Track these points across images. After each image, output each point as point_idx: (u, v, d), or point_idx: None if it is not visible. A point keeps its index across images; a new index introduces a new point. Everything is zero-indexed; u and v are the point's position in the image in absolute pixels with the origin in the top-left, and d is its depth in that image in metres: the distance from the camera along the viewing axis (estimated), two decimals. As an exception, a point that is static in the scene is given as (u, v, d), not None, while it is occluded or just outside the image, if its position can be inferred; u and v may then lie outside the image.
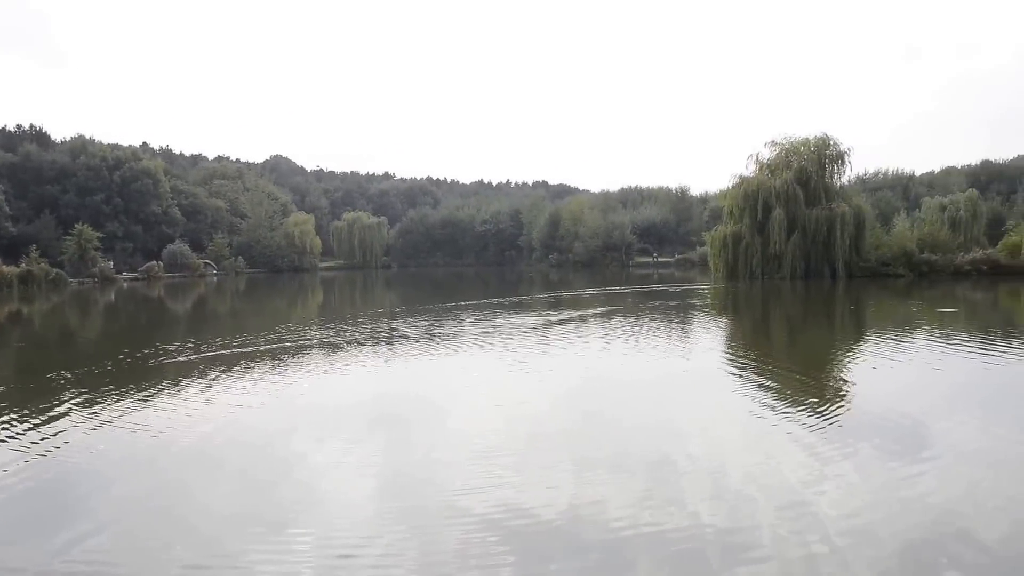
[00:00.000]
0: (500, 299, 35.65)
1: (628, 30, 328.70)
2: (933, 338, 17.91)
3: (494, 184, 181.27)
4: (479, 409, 10.77)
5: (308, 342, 18.84)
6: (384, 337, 19.79)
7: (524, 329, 20.47)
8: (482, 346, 17.14)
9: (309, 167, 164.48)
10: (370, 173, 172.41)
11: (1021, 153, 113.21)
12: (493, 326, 21.59)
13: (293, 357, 16.12)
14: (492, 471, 7.42)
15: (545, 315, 25.45)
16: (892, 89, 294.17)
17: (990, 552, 5.33)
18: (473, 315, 25.78)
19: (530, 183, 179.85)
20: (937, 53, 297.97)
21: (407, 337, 19.44)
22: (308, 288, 58.05)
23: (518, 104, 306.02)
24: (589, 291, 41.16)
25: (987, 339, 17.45)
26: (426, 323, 22.99)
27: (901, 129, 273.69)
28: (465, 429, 9.45)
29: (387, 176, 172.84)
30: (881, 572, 5.04)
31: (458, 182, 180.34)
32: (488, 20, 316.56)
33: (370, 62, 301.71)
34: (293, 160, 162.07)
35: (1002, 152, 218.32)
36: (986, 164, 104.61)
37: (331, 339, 19.50)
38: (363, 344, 18.24)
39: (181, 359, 16.01)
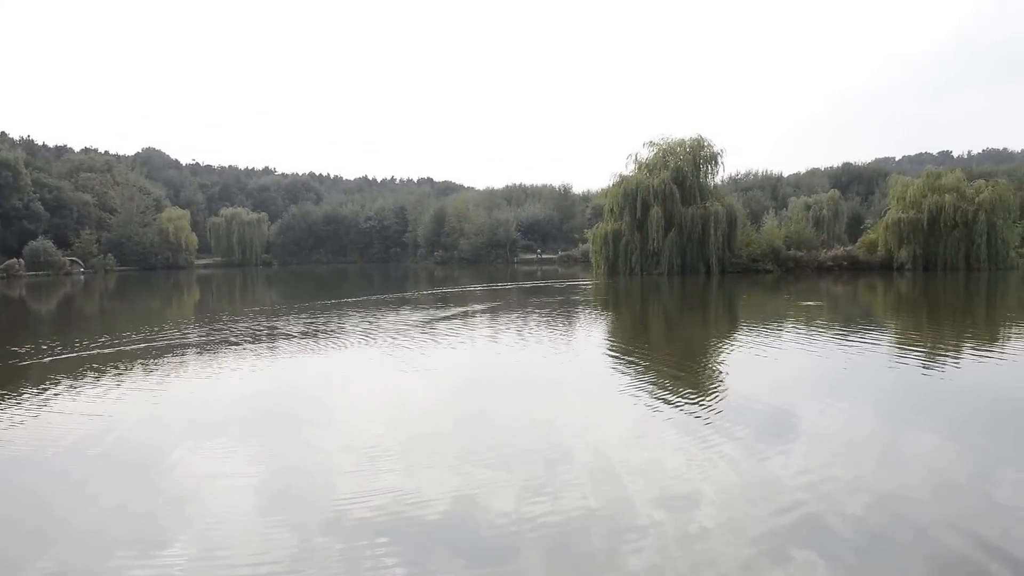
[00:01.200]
0: (385, 296, 35.31)
1: (510, 29, 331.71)
2: (800, 330, 18.88)
3: (379, 180, 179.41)
4: (363, 409, 10.62)
5: (182, 342, 18.06)
6: (264, 336, 19.23)
7: (410, 326, 20.34)
8: (367, 344, 16.93)
9: (184, 160, 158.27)
10: (249, 167, 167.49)
11: (878, 156, 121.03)
12: (378, 323, 21.35)
13: (165, 358, 15.41)
14: (376, 473, 7.29)
15: (431, 312, 25.35)
16: (766, 97, 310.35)
17: (848, 530, 5.65)
18: (357, 312, 25.42)
19: (415, 180, 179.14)
20: (811, 67, 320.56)
21: (288, 336, 18.95)
22: (183, 286, 55.78)
23: (403, 100, 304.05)
24: (475, 288, 41.29)
25: (848, 330, 18.52)
26: (308, 321, 22.52)
27: (772, 132, 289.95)
28: (348, 430, 9.28)
29: (267, 171, 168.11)
30: (749, 553, 5.28)
31: (342, 178, 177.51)
32: (370, 13, 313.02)
33: (248, 51, 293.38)
34: (167, 153, 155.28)
35: (861, 155, 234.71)
36: (847, 166, 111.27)
37: (207, 339, 18.78)
38: (241, 344, 17.66)
39: (39, 361, 15.09)
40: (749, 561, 5.17)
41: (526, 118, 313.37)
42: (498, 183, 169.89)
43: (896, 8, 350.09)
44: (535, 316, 23.64)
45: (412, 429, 9.20)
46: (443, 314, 24.46)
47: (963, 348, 15.32)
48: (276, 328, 20.95)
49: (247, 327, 21.44)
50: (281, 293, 44.40)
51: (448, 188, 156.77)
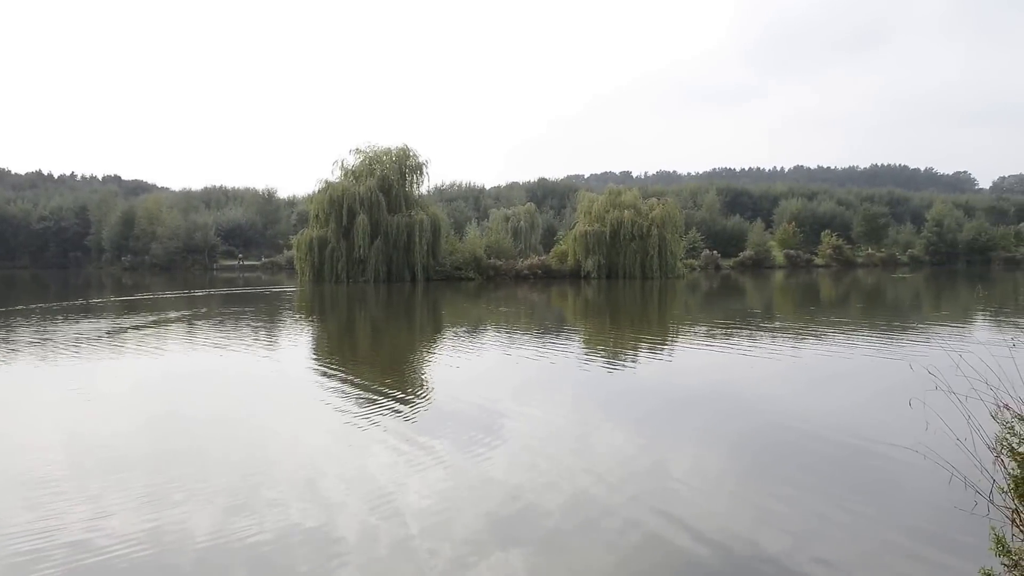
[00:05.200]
0: (63, 304, 31.61)
1: (210, 20, 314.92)
2: (500, 334, 19.78)
3: (56, 176, 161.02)
4: (33, 431, 9.30)
5: None
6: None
7: (92, 338, 18.36)
8: (39, 359, 15.02)
9: None
10: None
11: (569, 174, 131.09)
12: (54, 335, 19.00)
13: None
14: (52, 505, 6.42)
15: (117, 321, 23.15)
16: (486, 120, 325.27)
17: (551, 523, 5.96)
18: (28, 323, 22.48)
19: (100, 177, 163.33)
20: (530, 95, 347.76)
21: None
22: None
23: (87, 84, 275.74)
24: (168, 295, 38.44)
25: (543, 334, 19.73)
26: (-40, 334, 19.50)
27: (475, 147, 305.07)
28: (15, 458, 8.08)
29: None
30: (460, 552, 5.38)
31: (9, 172, 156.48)
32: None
33: None
34: None
35: (555, 172, 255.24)
36: (542, 181, 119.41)
37: None
38: None
39: None
40: (458, 561, 5.25)
41: (228, 115, 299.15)
42: (196, 184, 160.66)
43: (603, 51, 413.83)
44: (236, 325, 22.48)
45: (97, 457, 8.14)
46: (132, 323, 22.46)
47: (640, 349, 16.96)
48: (-81, 342, 17.89)
49: None
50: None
51: (138, 187, 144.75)
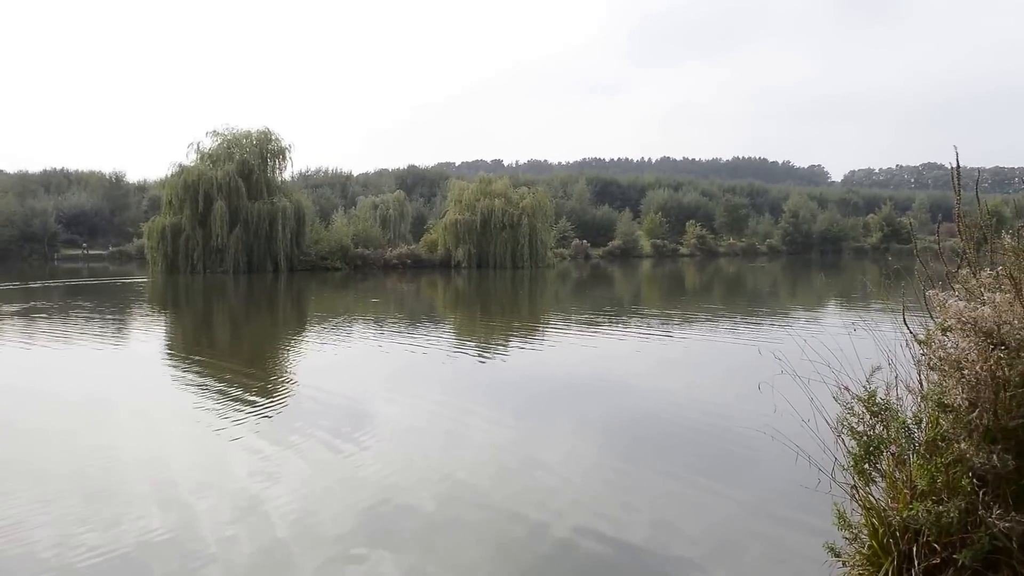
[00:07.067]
0: None
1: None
2: (368, 326, 19.49)
3: None
4: None
5: None
6: None
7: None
8: None
9: None
10: None
11: (440, 161, 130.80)
12: None
13: None
14: None
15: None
16: (351, 103, 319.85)
17: (426, 519, 5.88)
18: None
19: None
20: (400, 82, 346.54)
21: None
22: None
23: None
24: (1, 287, 35.69)
25: (412, 326, 19.59)
26: None
27: (353, 135, 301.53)
28: None
29: None
30: (329, 552, 5.21)
31: None
32: None
33: None
34: None
35: (426, 159, 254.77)
36: (412, 168, 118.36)
37: None
38: None
39: None
40: (327, 562, 5.09)
41: (71, 92, 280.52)
42: (33, 166, 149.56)
43: (473, 40, 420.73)
44: (80, 320, 21.10)
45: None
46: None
47: (511, 339, 17.09)
48: None
49: None
50: None
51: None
